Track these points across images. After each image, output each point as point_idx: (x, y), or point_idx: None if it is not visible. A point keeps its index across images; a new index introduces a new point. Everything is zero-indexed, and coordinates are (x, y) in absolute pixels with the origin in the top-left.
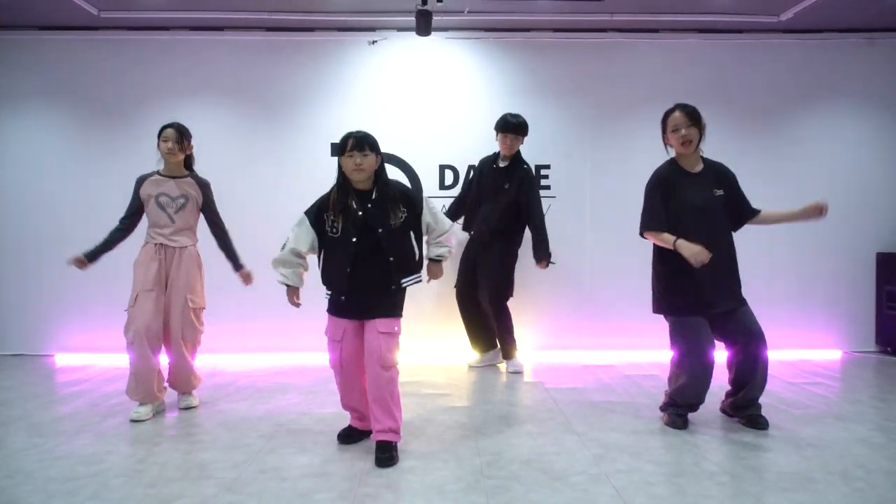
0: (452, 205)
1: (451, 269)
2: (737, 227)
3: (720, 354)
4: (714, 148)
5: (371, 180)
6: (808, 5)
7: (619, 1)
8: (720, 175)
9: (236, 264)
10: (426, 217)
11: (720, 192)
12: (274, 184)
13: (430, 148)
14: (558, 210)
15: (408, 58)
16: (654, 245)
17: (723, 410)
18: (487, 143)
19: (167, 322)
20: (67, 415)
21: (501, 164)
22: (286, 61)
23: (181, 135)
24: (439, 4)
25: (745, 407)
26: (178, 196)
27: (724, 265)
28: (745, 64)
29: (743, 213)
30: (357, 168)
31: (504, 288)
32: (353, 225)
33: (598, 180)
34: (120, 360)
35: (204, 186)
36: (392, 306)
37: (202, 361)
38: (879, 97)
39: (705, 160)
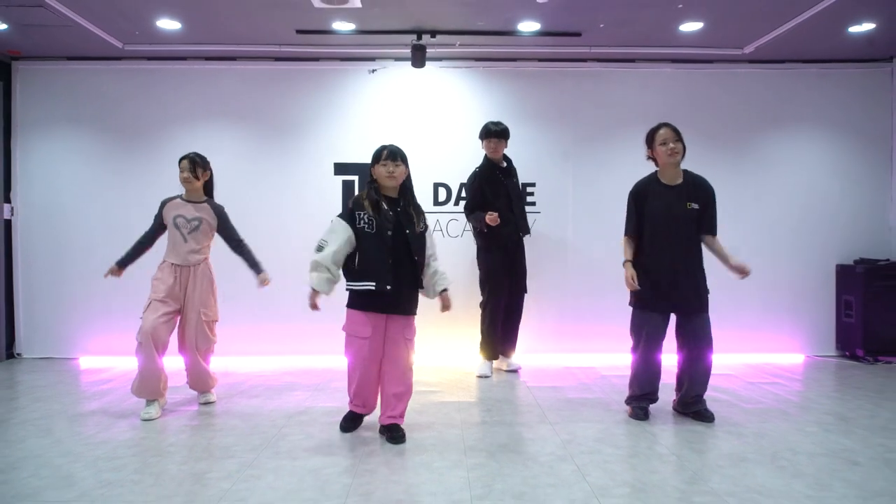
0: (476, 211)
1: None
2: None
3: (672, 357)
4: (684, 167)
5: (398, 190)
6: (769, 39)
7: (597, 35)
8: (698, 189)
9: (257, 269)
10: (428, 234)
11: (694, 206)
12: (281, 201)
13: (424, 167)
14: (543, 224)
15: (404, 85)
16: (636, 247)
17: (674, 409)
18: (477, 163)
19: (184, 332)
20: (100, 409)
21: (503, 165)
22: (293, 88)
23: (194, 165)
24: (432, 40)
25: (690, 403)
26: (192, 218)
27: (689, 271)
28: (714, 91)
29: (702, 227)
30: (390, 175)
31: (526, 285)
32: (387, 221)
33: (579, 196)
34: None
35: (218, 211)
36: (414, 304)
37: (217, 363)
38: (835, 121)
39: (686, 173)
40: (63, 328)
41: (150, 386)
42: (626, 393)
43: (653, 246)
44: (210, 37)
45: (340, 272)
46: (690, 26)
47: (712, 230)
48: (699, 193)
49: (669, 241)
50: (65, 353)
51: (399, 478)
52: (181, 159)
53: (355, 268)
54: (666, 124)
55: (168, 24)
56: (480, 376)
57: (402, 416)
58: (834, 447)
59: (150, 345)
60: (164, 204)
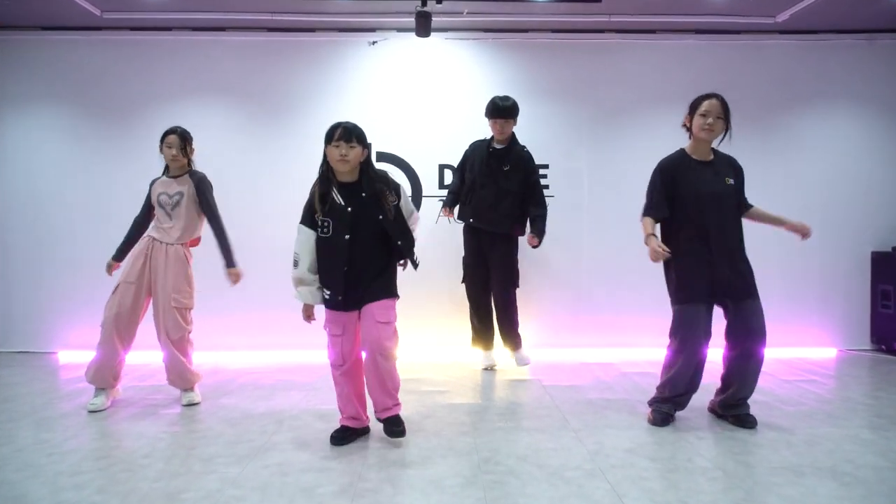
0: (449, 197)
1: (454, 265)
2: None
3: (716, 352)
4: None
5: (356, 172)
6: (804, 7)
7: (617, 2)
8: (732, 166)
9: (228, 261)
10: (402, 205)
11: (731, 182)
12: (274, 183)
13: (429, 147)
14: (556, 209)
15: (407, 58)
16: (663, 236)
17: (711, 410)
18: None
19: (157, 321)
20: (73, 411)
21: (498, 146)
22: (287, 61)
23: (184, 140)
24: (438, 6)
25: (733, 406)
26: (174, 193)
27: (735, 252)
28: (742, 65)
29: (740, 205)
30: (342, 159)
31: (514, 277)
32: (342, 222)
33: (595, 180)
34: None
35: (196, 180)
36: (383, 289)
37: (203, 359)
38: (875, 98)
39: (716, 152)
40: (42, 320)
41: (101, 372)
42: (650, 392)
43: (692, 229)
44: (196, 4)
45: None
46: None
47: (747, 206)
48: (732, 168)
49: (712, 221)
50: (43, 347)
51: (404, 499)
52: (167, 133)
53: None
54: (716, 96)
55: None
56: (484, 369)
57: (396, 405)
58: None
59: (111, 329)
60: (152, 184)
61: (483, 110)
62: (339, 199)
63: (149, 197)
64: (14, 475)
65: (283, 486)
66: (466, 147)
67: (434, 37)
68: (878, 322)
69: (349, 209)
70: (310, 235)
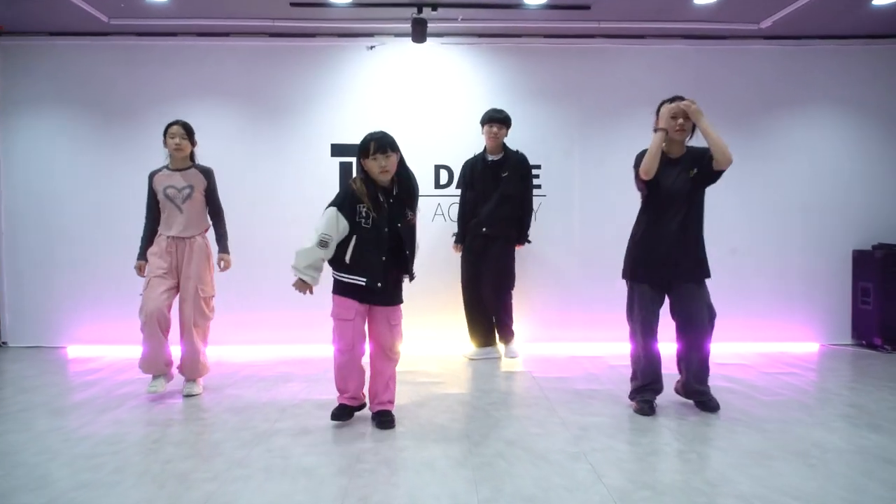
0: (460, 216)
1: (450, 260)
2: (716, 177)
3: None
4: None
5: (391, 179)
6: (787, 14)
7: (606, 9)
8: (697, 156)
9: (223, 246)
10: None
11: (695, 171)
12: (276, 183)
13: (425, 148)
14: (548, 208)
15: (404, 62)
16: (636, 217)
17: (676, 391)
18: (480, 144)
19: (181, 308)
20: (85, 401)
21: (493, 158)
22: (288, 65)
23: (187, 131)
24: (434, 13)
25: (693, 392)
26: (183, 187)
27: (687, 242)
28: (728, 69)
29: (710, 164)
30: (383, 171)
31: (508, 279)
32: (382, 216)
33: (586, 179)
34: (129, 352)
35: (206, 173)
36: (399, 295)
37: (210, 352)
38: (855, 101)
39: (689, 149)
40: (51, 316)
41: (155, 363)
42: None
43: (651, 218)
44: (200, 10)
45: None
46: None
47: (713, 164)
48: (697, 158)
49: (669, 214)
50: (53, 342)
51: (399, 479)
52: (171, 124)
53: (346, 261)
54: (681, 98)
55: None
56: (470, 358)
57: (390, 402)
58: (864, 443)
59: (154, 324)
60: (151, 176)
61: (477, 113)
62: (380, 196)
63: (152, 190)
64: (34, 458)
65: (286, 466)
66: (460, 148)
67: (430, 42)
68: (859, 318)
69: (386, 205)
70: (344, 222)
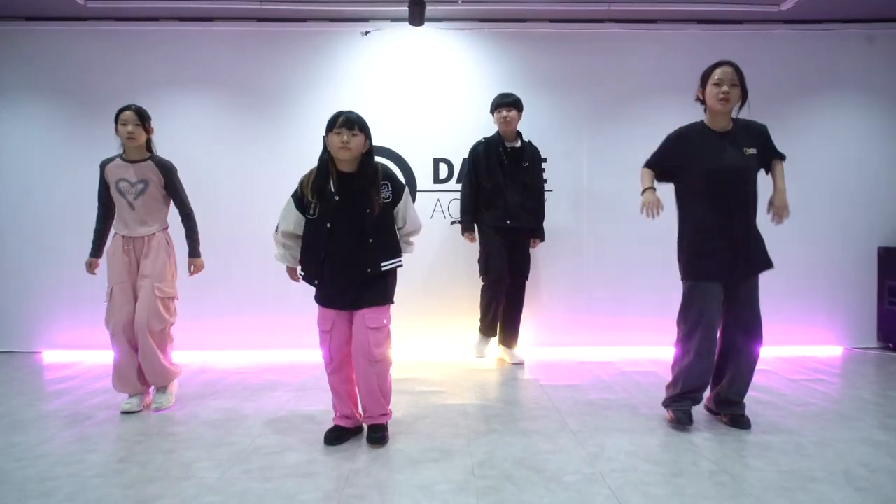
0: (468, 203)
1: (451, 264)
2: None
3: None
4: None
5: (356, 162)
6: None
7: None
8: (752, 132)
9: (193, 250)
10: (400, 208)
11: (752, 151)
12: (264, 175)
13: (424, 141)
14: (555, 204)
15: (401, 49)
16: (678, 208)
17: (706, 408)
18: (482, 136)
19: (135, 311)
20: (51, 412)
21: (513, 145)
22: (277, 52)
23: (141, 117)
24: None
25: (727, 403)
26: (137, 182)
27: (750, 227)
28: (746, 55)
29: (769, 160)
30: (343, 146)
31: (527, 277)
32: (328, 210)
33: (595, 173)
34: (107, 358)
35: (164, 168)
36: (379, 294)
37: (192, 358)
38: (882, 89)
39: (735, 120)
40: (25, 319)
41: (127, 380)
42: (652, 393)
43: (709, 202)
44: None
45: (299, 240)
46: None
47: (778, 155)
48: (753, 135)
49: (731, 195)
50: (27, 347)
51: None
52: (122, 110)
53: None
54: (728, 63)
55: None
56: (478, 357)
57: (383, 415)
58: None
59: (122, 339)
60: (103, 166)
61: (479, 102)
62: (332, 187)
63: (104, 181)
64: None
65: (264, 492)
66: (460, 141)
67: (428, 26)
68: (885, 319)
69: (337, 198)
70: (295, 212)
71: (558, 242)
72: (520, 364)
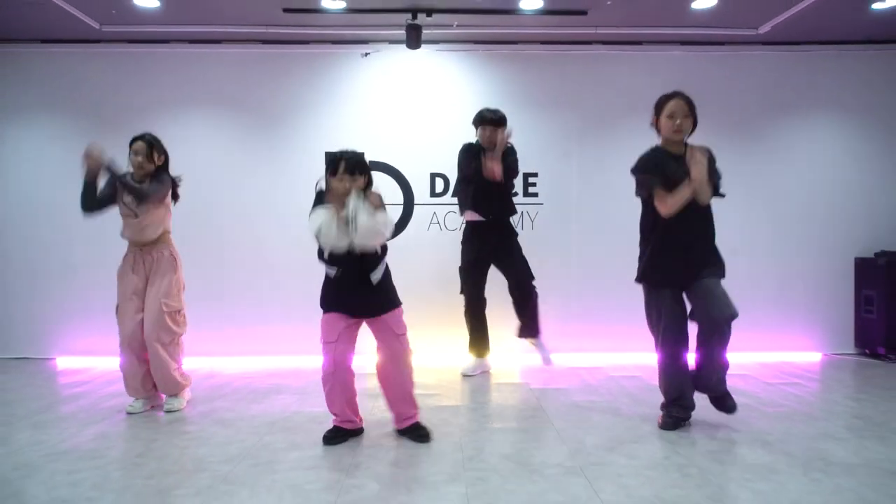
0: (462, 193)
1: (446, 270)
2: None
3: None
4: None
5: None
6: (785, 18)
7: (603, 14)
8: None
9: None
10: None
11: None
12: (269, 191)
13: (421, 157)
14: (545, 216)
15: (399, 69)
16: (644, 216)
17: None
18: None
19: (144, 326)
20: (69, 414)
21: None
22: (282, 73)
23: (151, 148)
24: (429, 19)
25: (709, 388)
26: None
27: (703, 247)
28: (727, 75)
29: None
30: (346, 194)
31: (529, 268)
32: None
33: (584, 187)
34: (119, 364)
35: (157, 173)
36: (390, 299)
37: (199, 364)
38: (856, 106)
39: (688, 145)
40: (40, 327)
41: (132, 385)
42: (635, 395)
43: (665, 221)
44: (191, 16)
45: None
46: (702, 3)
47: (714, 185)
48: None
49: (688, 213)
50: (41, 353)
51: (389, 494)
52: (135, 139)
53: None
54: (679, 95)
55: (146, 1)
56: (464, 375)
57: (416, 412)
58: (871, 456)
59: (128, 350)
60: (116, 180)
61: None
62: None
63: (113, 185)
64: (10, 473)
65: (272, 483)
66: (455, 157)
67: (425, 48)
68: (862, 327)
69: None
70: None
71: (549, 253)
72: (547, 355)
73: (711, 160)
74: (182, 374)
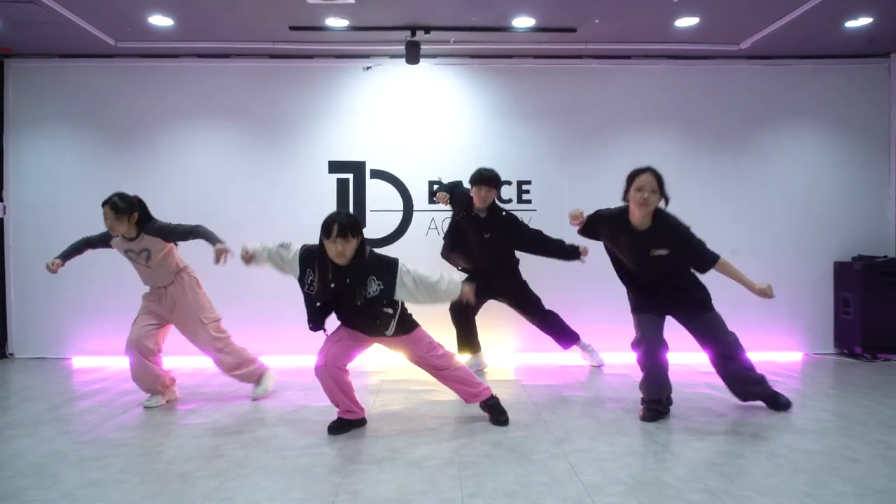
0: (457, 190)
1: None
2: (702, 273)
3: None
4: (680, 167)
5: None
6: (765, 35)
7: (592, 31)
8: (669, 233)
9: (213, 241)
10: (400, 291)
11: (661, 252)
12: (275, 199)
13: (419, 165)
14: (538, 222)
15: (399, 83)
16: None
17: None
18: (472, 161)
19: (199, 347)
20: (90, 408)
21: (480, 214)
22: (287, 86)
23: (118, 211)
24: (427, 36)
25: (758, 395)
26: (140, 251)
27: (678, 292)
28: (711, 88)
29: (700, 266)
30: (339, 255)
31: (537, 300)
32: (324, 295)
33: (574, 194)
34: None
35: (156, 231)
36: (404, 330)
37: (210, 363)
38: (832, 117)
39: (658, 216)
40: (56, 328)
41: (144, 383)
42: (621, 391)
43: (628, 274)
44: (202, 34)
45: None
46: (686, 21)
47: (701, 266)
48: (668, 237)
49: (642, 277)
50: (58, 353)
51: (389, 476)
52: (103, 204)
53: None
54: (649, 170)
55: (160, 20)
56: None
57: (483, 389)
58: (832, 444)
59: (135, 352)
60: (110, 237)
61: (469, 130)
62: (329, 276)
63: (107, 237)
64: (42, 460)
65: (283, 466)
66: (452, 164)
67: (423, 63)
68: (841, 327)
69: (332, 286)
70: (294, 267)
71: (543, 258)
72: (592, 352)
73: (680, 241)
74: (254, 364)
